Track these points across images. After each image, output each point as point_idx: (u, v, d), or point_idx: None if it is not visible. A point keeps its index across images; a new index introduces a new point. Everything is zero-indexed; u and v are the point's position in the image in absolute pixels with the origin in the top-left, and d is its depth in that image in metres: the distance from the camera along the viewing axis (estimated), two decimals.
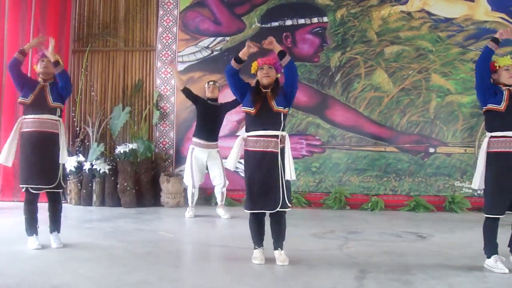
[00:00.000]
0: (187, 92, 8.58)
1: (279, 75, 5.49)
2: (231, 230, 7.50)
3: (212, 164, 8.38)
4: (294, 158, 5.70)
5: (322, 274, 4.98)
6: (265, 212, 5.35)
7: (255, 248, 5.45)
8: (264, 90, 5.36)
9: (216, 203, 8.79)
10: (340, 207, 9.61)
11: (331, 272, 5.05)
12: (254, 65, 5.46)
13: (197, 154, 8.32)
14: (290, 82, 5.32)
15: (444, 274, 5.02)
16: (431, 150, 9.76)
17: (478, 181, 5.28)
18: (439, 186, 9.68)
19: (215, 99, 8.45)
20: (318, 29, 10.10)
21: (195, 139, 8.38)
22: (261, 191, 5.25)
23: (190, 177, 8.35)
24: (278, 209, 5.22)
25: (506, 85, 5.17)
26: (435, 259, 5.70)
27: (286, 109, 5.34)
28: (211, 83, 8.51)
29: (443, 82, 9.75)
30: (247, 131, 5.40)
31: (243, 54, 5.32)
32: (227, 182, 8.50)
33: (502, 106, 5.08)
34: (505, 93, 5.12)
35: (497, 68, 5.25)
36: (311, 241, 6.64)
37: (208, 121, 8.34)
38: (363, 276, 4.90)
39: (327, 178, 9.88)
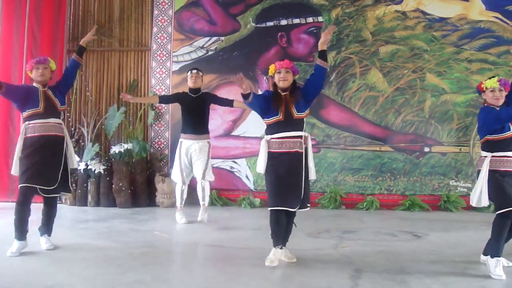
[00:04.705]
0: (164, 100, 8.56)
1: (296, 76, 5.60)
2: (227, 230, 7.49)
3: (198, 156, 7.81)
4: None
5: (317, 273, 4.99)
6: (284, 211, 5.35)
7: (274, 247, 5.39)
8: (283, 93, 5.45)
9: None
10: (335, 206, 9.61)
11: (326, 271, 5.06)
12: (272, 68, 5.52)
13: (185, 146, 7.85)
14: (315, 87, 5.48)
15: (439, 273, 5.04)
16: (426, 149, 9.76)
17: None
18: (434, 185, 9.68)
19: (198, 89, 7.95)
20: (313, 28, 10.10)
21: (182, 135, 7.95)
22: (286, 190, 5.31)
23: (179, 173, 7.91)
24: (299, 209, 5.36)
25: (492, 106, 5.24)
26: (430, 258, 5.73)
27: (307, 111, 5.46)
28: (194, 71, 7.94)
29: (438, 81, 9.75)
30: (269, 133, 5.46)
31: (244, 90, 5.28)
32: (210, 177, 7.95)
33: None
34: None
35: (484, 89, 5.31)
36: (306, 240, 6.65)
37: (192, 114, 7.87)
38: (358, 276, 4.92)
39: (322, 177, 9.87)
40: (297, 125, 5.39)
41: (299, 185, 5.32)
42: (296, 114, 5.35)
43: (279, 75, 5.44)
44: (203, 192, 7.90)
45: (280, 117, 5.35)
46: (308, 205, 5.46)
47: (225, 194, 9.87)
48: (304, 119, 5.45)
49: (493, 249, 5.15)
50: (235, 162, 10.04)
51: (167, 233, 7.04)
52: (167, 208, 9.34)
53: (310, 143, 5.51)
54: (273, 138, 5.39)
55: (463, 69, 9.70)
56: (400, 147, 9.80)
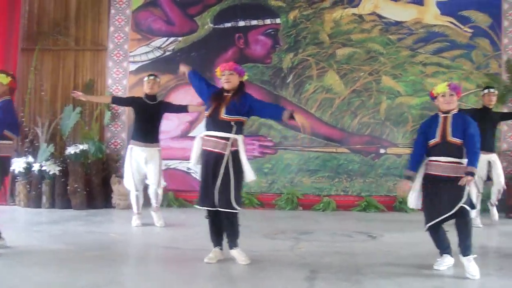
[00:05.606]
0: (117, 101, 8.38)
1: (245, 77, 5.60)
2: (183, 231, 7.46)
3: (149, 162, 7.60)
4: None
5: (273, 275, 5.00)
6: (218, 211, 5.36)
7: (214, 247, 5.54)
8: (225, 94, 5.45)
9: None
10: (292, 207, 9.65)
11: (282, 273, 5.07)
12: (217, 70, 5.54)
13: (135, 153, 7.62)
14: (263, 115, 5.61)
15: (393, 274, 5.09)
16: (382, 151, 9.88)
17: None
18: (389, 186, 9.81)
19: (154, 96, 7.74)
20: (270, 30, 10.14)
21: (132, 142, 7.72)
22: (205, 189, 5.36)
23: (131, 179, 7.64)
24: (220, 208, 5.29)
25: (444, 112, 5.33)
26: (385, 258, 5.78)
27: (238, 117, 5.38)
28: (151, 77, 7.73)
29: (393, 84, 9.88)
30: (205, 130, 5.51)
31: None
32: (163, 183, 7.87)
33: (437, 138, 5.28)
34: (440, 120, 5.31)
35: (436, 95, 5.40)
36: (263, 242, 6.66)
37: (146, 121, 7.62)
38: (314, 277, 4.94)
39: (279, 179, 9.91)
40: (224, 126, 5.34)
41: (214, 185, 5.28)
42: (222, 115, 5.32)
43: (223, 77, 5.46)
44: (157, 197, 7.81)
45: (207, 114, 5.42)
46: (236, 206, 5.32)
47: (182, 195, 9.83)
48: (235, 123, 5.36)
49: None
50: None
51: (123, 235, 6.98)
52: (123, 209, 9.26)
53: (241, 146, 5.41)
54: (205, 136, 5.44)
55: (418, 72, 9.86)
56: (356, 148, 9.90)
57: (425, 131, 5.36)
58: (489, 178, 8.06)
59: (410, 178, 5.36)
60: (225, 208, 5.29)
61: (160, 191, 7.84)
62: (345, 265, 5.45)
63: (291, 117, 5.34)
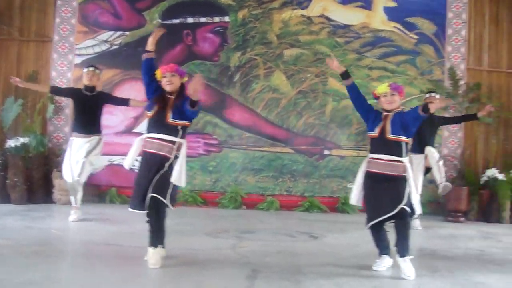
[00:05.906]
0: (55, 91, 8.25)
1: (185, 79, 5.50)
2: (125, 228, 7.36)
3: (86, 146, 7.50)
4: (190, 156, 5.65)
5: (214, 273, 4.99)
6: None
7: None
8: (168, 96, 5.36)
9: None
10: (235, 206, 9.67)
11: (223, 272, 5.07)
12: (158, 73, 5.41)
13: (75, 145, 7.55)
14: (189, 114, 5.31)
15: (334, 274, 5.16)
16: (326, 152, 9.99)
17: None
18: (332, 187, 9.92)
19: (93, 88, 7.65)
20: (219, 28, 10.13)
21: (74, 134, 7.67)
22: (142, 191, 5.18)
23: (69, 170, 7.56)
24: (151, 193, 5.11)
25: (386, 111, 5.45)
26: (326, 258, 5.85)
27: (184, 122, 5.30)
28: (90, 68, 7.66)
29: (339, 86, 9.95)
30: (147, 132, 5.38)
31: (150, 44, 5.55)
32: (97, 162, 7.71)
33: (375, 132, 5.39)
34: (382, 118, 5.45)
35: (378, 95, 5.56)
36: (205, 240, 6.65)
37: (85, 113, 7.60)
38: (255, 276, 4.95)
39: (224, 177, 9.91)
40: (171, 130, 5.25)
41: (151, 182, 5.14)
42: (169, 120, 5.23)
43: (165, 79, 5.35)
44: (82, 169, 7.51)
45: (150, 114, 5.31)
46: (167, 201, 5.15)
47: (125, 192, 9.69)
48: (182, 127, 5.28)
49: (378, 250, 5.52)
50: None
51: (63, 231, 6.86)
52: (64, 205, 9.07)
53: (184, 150, 5.31)
54: (147, 138, 5.32)
55: (364, 76, 10.00)
56: (301, 149, 9.98)
57: (371, 116, 5.56)
58: (426, 172, 8.14)
59: (346, 72, 5.98)
60: (155, 194, 5.11)
61: (88, 165, 7.56)
62: (286, 264, 5.49)
63: (194, 103, 5.09)
